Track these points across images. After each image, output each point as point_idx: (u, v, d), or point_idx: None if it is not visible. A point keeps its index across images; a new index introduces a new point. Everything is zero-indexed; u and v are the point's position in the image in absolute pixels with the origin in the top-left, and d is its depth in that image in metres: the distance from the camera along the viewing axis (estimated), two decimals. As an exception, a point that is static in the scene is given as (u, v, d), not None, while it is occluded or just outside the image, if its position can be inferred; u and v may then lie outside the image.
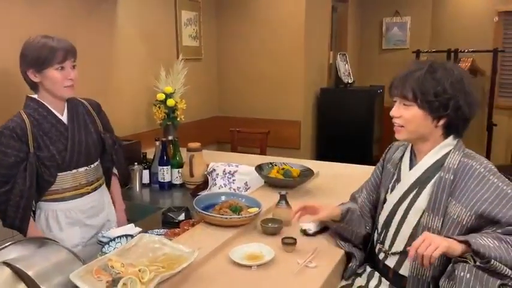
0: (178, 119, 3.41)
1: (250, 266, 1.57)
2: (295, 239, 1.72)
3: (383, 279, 1.64)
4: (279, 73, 4.36)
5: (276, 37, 4.30)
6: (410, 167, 1.62)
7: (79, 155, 1.93)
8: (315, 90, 4.66)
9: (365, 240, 1.79)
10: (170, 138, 3.15)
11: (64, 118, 1.93)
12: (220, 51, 4.56)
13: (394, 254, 1.61)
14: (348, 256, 1.74)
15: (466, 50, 5.17)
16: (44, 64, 1.80)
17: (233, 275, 1.54)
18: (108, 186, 2.20)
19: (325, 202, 2.16)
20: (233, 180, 2.63)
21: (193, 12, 4.10)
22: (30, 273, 1.27)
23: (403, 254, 1.58)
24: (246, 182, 2.61)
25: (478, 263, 1.33)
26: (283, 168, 2.51)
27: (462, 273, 1.32)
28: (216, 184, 2.67)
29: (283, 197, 1.97)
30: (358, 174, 2.36)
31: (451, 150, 1.54)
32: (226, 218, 1.85)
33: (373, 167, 1.88)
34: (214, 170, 2.70)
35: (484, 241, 1.36)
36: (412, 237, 1.55)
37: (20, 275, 1.28)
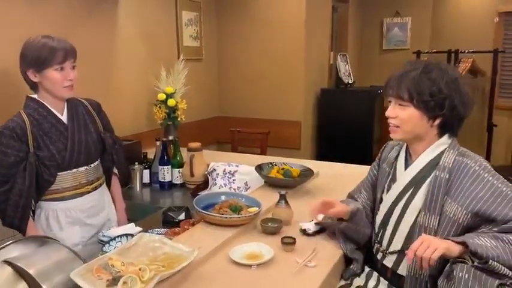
0: (178, 119, 3.41)
1: (249, 265, 1.58)
2: (295, 239, 1.73)
3: (381, 279, 1.65)
4: (279, 73, 4.36)
5: (276, 37, 4.31)
6: (406, 167, 1.63)
7: (79, 154, 1.94)
8: (315, 91, 4.67)
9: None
10: (171, 138, 3.16)
11: (64, 118, 1.94)
12: (220, 51, 4.57)
13: (391, 253, 1.62)
14: (347, 257, 1.74)
15: (467, 51, 5.17)
16: (44, 64, 1.80)
17: (233, 274, 1.55)
18: (109, 185, 2.21)
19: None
20: (233, 180, 2.64)
21: (194, 12, 4.11)
22: (31, 271, 1.28)
23: (401, 254, 1.59)
24: (246, 182, 2.62)
25: (476, 263, 1.33)
26: (283, 168, 2.51)
27: (461, 274, 1.32)
28: (216, 184, 2.67)
29: (282, 197, 1.97)
30: (357, 174, 2.36)
31: (445, 149, 1.55)
32: (226, 218, 1.85)
33: (373, 167, 1.88)
34: (215, 169, 2.71)
35: (481, 241, 1.36)
36: (409, 236, 1.56)
37: (21, 273, 1.29)
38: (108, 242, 1.77)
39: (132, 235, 1.76)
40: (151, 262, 1.44)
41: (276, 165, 2.58)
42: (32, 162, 1.82)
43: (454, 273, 1.34)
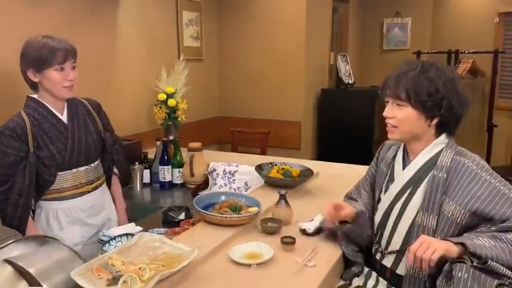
0: (179, 119, 3.42)
1: (249, 265, 1.58)
2: (294, 238, 1.73)
3: (380, 278, 1.65)
4: (279, 74, 4.37)
5: (276, 38, 4.31)
6: (404, 167, 1.63)
7: (79, 154, 1.94)
8: (315, 91, 4.67)
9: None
10: (171, 138, 3.17)
11: (64, 118, 1.94)
12: (221, 51, 4.58)
13: (390, 253, 1.62)
14: (347, 257, 1.74)
15: (467, 51, 5.17)
16: (44, 64, 1.81)
17: (233, 273, 1.55)
18: (109, 185, 2.21)
19: (325, 202, 2.17)
20: (233, 180, 2.64)
21: (195, 12, 4.12)
22: (31, 270, 1.28)
23: (400, 254, 1.59)
24: (246, 182, 2.62)
25: (475, 263, 1.34)
26: (283, 168, 2.52)
27: (460, 274, 1.32)
28: (216, 184, 2.68)
29: (282, 197, 1.98)
30: (357, 174, 2.36)
31: (443, 148, 1.56)
32: (226, 217, 1.86)
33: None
34: (215, 169, 2.71)
35: (480, 241, 1.37)
36: (408, 236, 1.56)
37: (21, 272, 1.29)
38: (108, 242, 1.78)
39: (132, 235, 1.77)
40: (151, 261, 1.44)
41: (276, 165, 2.58)
42: (32, 162, 1.83)
43: (453, 273, 1.34)
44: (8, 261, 1.31)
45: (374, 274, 1.67)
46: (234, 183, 2.64)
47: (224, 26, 4.51)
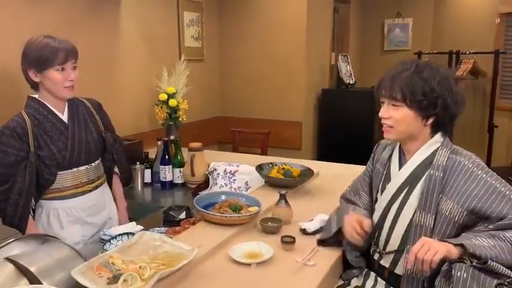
0: (180, 119, 3.43)
1: (249, 264, 1.59)
2: (294, 238, 1.74)
3: (379, 279, 1.65)
4: (280, 74, 4.37)
5: (277, 38, 4.32)
6: (400, 166, 1.64)
7: (79, 153, 1.95)
8: (316, 91, 4.68)
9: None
10: (172, 138, 3.18)
11: (64, 117, 1.95)
12: (222, 52, 4.58)
13: (388, 253, 1.62)
14: (346, 257, 1.74)
15: (468, 52, 5.18)
16: (45, 64, 1.81)
17: (232, 272, 1.56)
18: (110, 185, 2.22)
19: (324, 202, 2.20)
20: (234, 180, 2.65)
21: (196, 13, 4.13)
22: (32, 269, 1.29)
23: (398, 253, 1.59)
24: (247, 182, 2.63)
25: (474, 263, 1.34)
26: (283, 168, 2.52)
27: (459, 273, 1.32)
28: (216, 184, 2.69)
29: (282, 197, 1.98)
30: (357, 175, 2.37)
31: (439, 147, 1.56)
32: (226, 217, 1.87)
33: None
34: (215, 169, 2.72)
35: (479, 241, 1.37)
36: (406, 236, 1.56)
37: (22, 270, 1.30)
38: (109, 241, 1.78)
39: (133, 234, 1.77)
40: (151, 260, 1.45)
41: (276, 165, 2.59)
42: (33, 161, 1.83)
43: (453, 273, 1.34)
44: (9, 260, 1.32)
45: (372, 274, 1.67)
46: (234, 183, 2.65)
47: (225, 26, 4.52)
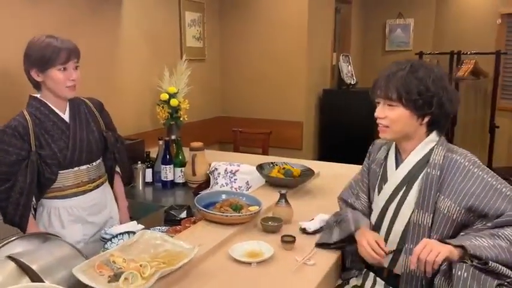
0: (181, 119, 3.44)
1: (249, 263, 1.60)
2: (295, 237, 1.74)
3: (378, 279, 1.65)
4: (281, 74, 4.38)
5: (279, 38, 4.32)
6: (396, 166, 1.64)
7: (80, 153, 1.96)
8: (317, 91, 4.68)
9: None
10: (173, 137, 3.18)
11: (66, 116, 1.96)
12: (223, 52, 4.59)
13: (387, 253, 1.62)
14: (345, 257, 1.75)
15: (469, 52, 5.18)
16: (47, 64, 1.82)
17: (233, 271, 1.57)
18: (111, 184, 2.22)
19: (325, 202, 2.20)
20: (234, 179, 2.65)
21: (197, 13, 4.13)
22: (34, 267, 1.30)
23: (396, 253, 1.59)
24: (248, 182, 2.64)
25: (475, 263, 1.34)
26: (284, 168, 2.53)
27: (459, 272, 1.33)
28: (217, 183, 2.69)
29: (283, 196, 1.99)
30: (358, 175, 2.38)
31: (434, 146, 1.57)
32: (227, 216, 1.87)
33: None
34: (216, 169, 2.73)
35: (479, 241, 1.38)
36: (404, 235, 1.57)
37: (24, 269, 1.31)
38: (110, 240, 1.79)
39: (134, 233, 1.78)
40: (152, 259, 1.46)
41: (277, 165, 2.60)
42: (34, 160, 1.84)
43: (453, 272, 1.34)
44: (11, 258, 1.33)
45: (371, 275, 1.68)
46: (235, 182, 2.66)
47: (226, 26, 4.53)
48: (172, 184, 2.95)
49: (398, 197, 1.60)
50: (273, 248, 1.67)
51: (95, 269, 1.35)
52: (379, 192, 1.68)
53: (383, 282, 1.64)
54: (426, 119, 1.55)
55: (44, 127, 1.88)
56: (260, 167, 2.53)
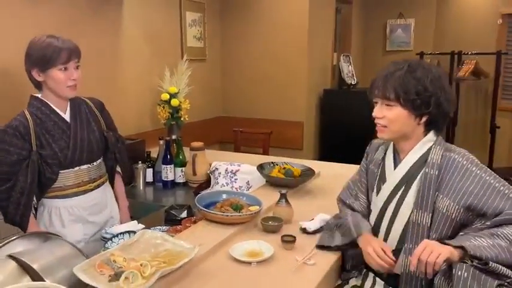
0: (182, 119, 3.44)
1: (250, 263, 1.60)
2: (295, 237, 1.74)
3: (377, 279, 1.65)
4: (282, 74, 4.38)
5: (279, 38, 4.33)
6: (395, 166, 1.64)
7: (81, 152, 1.96)
8: (318, 91, 4.68)
9: None
10: (174, 137, 3.19)
11: (67, 116, 1.96)
12: (224, 52, 4.59)
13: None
14: (344, 257, 1.75)
15: (470, 52, 5.18)
16: (48, 64, 1.82)
17: (233, 271, 1.57)
18: (112, 184, 2.23)
19: (325, 202, 2.21)
20: (235, 179, 2.66)
21: (198, 13, 4.14)
22: (35, 266, 1.30)
23: (396, 253, 1.59)
24: (248, 181, 2.64)
25: (475, 263, 1.34)
26: (284, 168, 2.53)
27: (460, 272, 1.33)
28: (218, 183, 2.70)
29: (283, 196, 1.99)
30: (358, 174, 2.38)
31: (432, 145, 1.57)
32: (227, 216, 1.88)
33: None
34: (217, 169, 2.73)
35: (478, 241, 1.38)
36: (404, 235, 1.57)
37: (25, 268, 1.31)
38: (110, 239, 1.79)
39: (134, 232, 1.78)
40: (152, 258, 1.46)
41: (277, 164, 2.60)
42: (35, 160, 1.85)
43: (453, 272, 1.34)
44: (11, 257, 1.33)
45: (371, 275, 1.68)
46: (235, 182, 2.66)
47: (227, 26, 4.53)
48: (173, 184, 2.95)
49: (397, 197, 1.61)
50: (273, 248, 1.67)
51: (95, 268, 1.35)
52: (377, 192, 1.68)
53: (382, 283, 1.64)
54: (424, 119, 1.55)
55: (45, 127, 1.89)
56: (261, 167, 2.53)
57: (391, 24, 5.91)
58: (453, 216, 1.48)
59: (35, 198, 1.92)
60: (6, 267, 1.30)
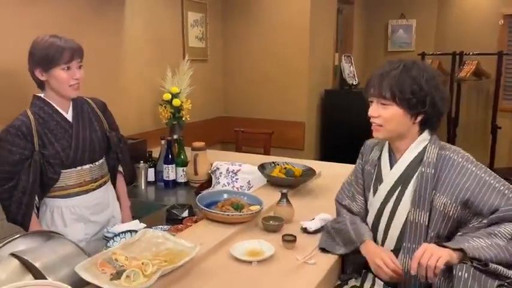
0: (183, 119, 3.45)
1: (250, 262, 1.61)
2: (295, 237, 1.75)
3: (377, 279, 1.64)
4: (283, 74, 4.39)
5: (281, 39, 4.34)
6: (391, 166, 1.65)
7: (83, 152, 1.97)
8: (319, 92, 4.69)
9: None
10: (175, 137, 3.19)
11: (69, 116, 1.97)
12: (226, 52, 4.60)
13: None
14: (344, 263, 1.76)
15: (471, 53, 5.19)
16: (51, 63, 1.83)
17: (234, 270, 1.58)
18: (114, 183, 2.23)
19: (326, 202, 2.21)
20: (236, 179, 2.67)
21: (200, 13, 4.15)
22: (37, 264, 1.32)
23: (395, 253, 1.59)
24: (249, 181, 2.65)
25: (475, 264, 1.35)
26: (285, 168, 2.54)
27: (460, 273, 1.33)
28: (219, 183, 2.71)
29: (284, 196, 2.00)
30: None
31: (427, 144, 1.58)
32: (228, 215, 1.88)
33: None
34: (218, 168, 2.74)
35: (477, 242, 1.38)
36: (402, 234, 1.58)
37: (27, 266, 1.33)
38: (112, 238, 1.80)
39: (136, 231, 1.79)
40: (154, 257, 1.47)
41: (278, 164, 2.60)
42: (37, 160, 1.85)
43: (454, 273, 1.34)
44: (14, 255, 1.34)
45: (370, 275, 1.67)
46: (237, 182, 2.67)
47: (229, 27, 4.54)
48: (174, 183, 2.96)
49: (394, 197, 1.61)
50: (274, 247, 1.68)
51: (97, 266, 1.36)
52: (374, 193, 1.68)
53: (382, 283, 1.63)
54: (419, 118, 1.56)
55: (47, 126, 1.89)
56: (262, 167, 2.54)
57: (392, 24, 5.91)
58: (450, 213, 1.49)
59: (37, 198, 1.92)
60: (9, 266, 1.32)
